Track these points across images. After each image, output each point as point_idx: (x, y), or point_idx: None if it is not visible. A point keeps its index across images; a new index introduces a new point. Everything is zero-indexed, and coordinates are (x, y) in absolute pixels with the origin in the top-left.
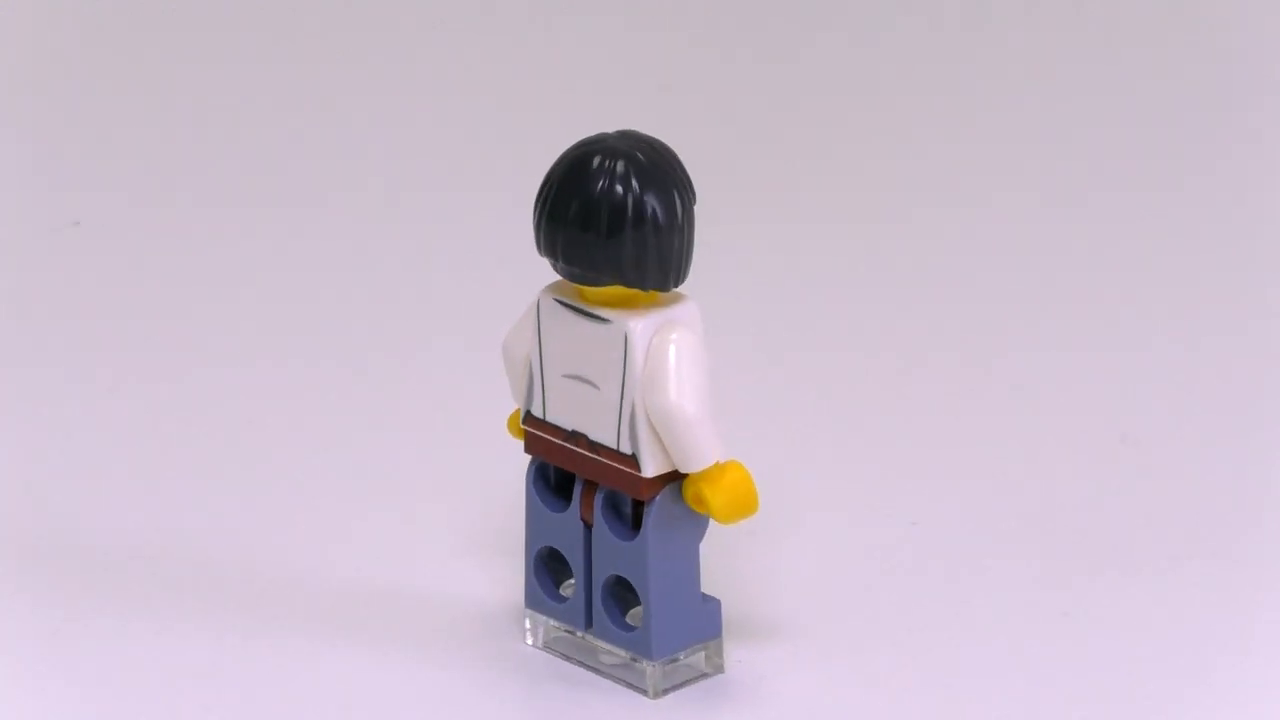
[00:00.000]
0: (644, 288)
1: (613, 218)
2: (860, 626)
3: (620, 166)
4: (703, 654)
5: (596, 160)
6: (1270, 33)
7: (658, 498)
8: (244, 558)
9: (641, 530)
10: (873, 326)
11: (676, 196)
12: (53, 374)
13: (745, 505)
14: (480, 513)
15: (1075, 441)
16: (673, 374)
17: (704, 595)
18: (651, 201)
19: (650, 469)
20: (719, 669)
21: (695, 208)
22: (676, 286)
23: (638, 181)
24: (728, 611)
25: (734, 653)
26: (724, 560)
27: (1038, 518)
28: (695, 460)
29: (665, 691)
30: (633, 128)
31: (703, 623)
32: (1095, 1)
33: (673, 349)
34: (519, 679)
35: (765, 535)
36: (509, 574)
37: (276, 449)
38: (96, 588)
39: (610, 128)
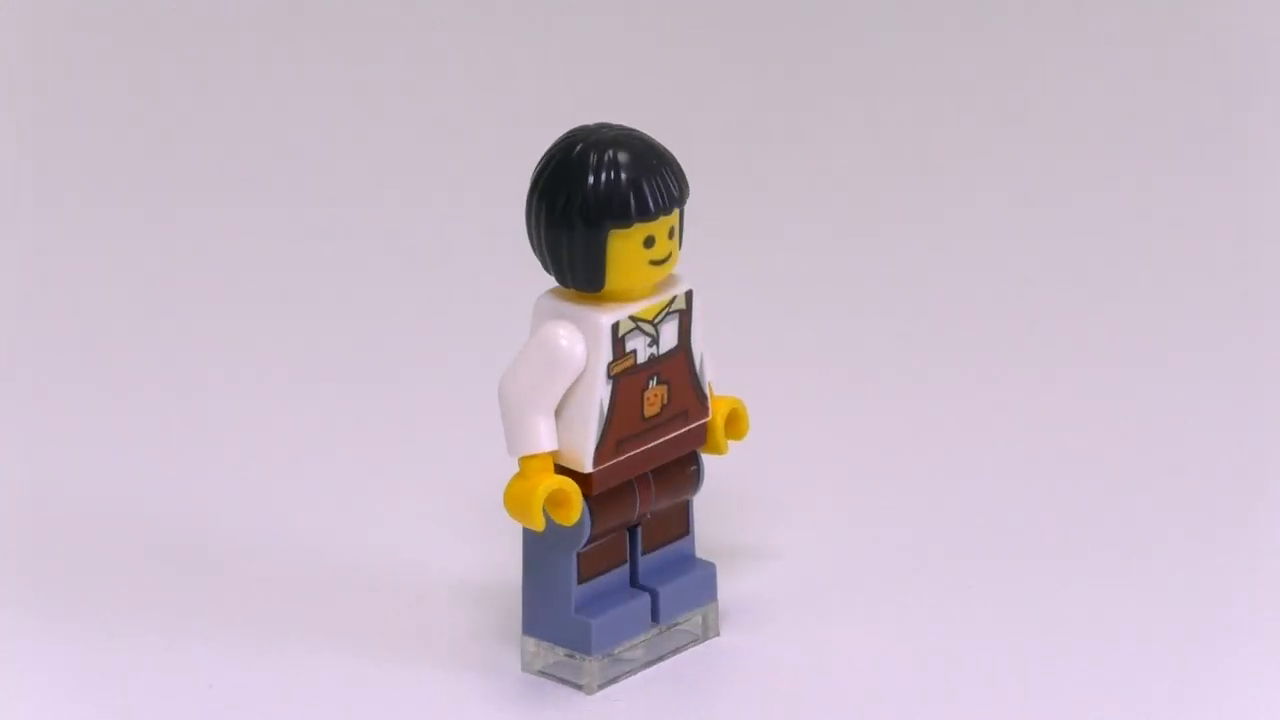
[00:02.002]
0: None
1: (531, 189)
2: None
3: (576, 152)
4: (583, 664)
5: (569, 141)
6: (1270, 32)
7: None
8: (244, 557)
9: None
10: (871, 328)
11: (597, 202)
12: (54, 375)
13: (522, 513)
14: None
15: (1072, 444)
16: (518, 356)
17: (579, 611)
18: (559, 189)
19: None
20: (591, 689)
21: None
22: (568, 286)
23: (565, 168)
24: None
25: (640, 676)
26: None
27: (1036, 520)
28: (508, 444)
29: (539, 673)
30: (637, 125)
31: (570, 633)
32: (1095, 1)
33: (534, 336)
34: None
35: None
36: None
37: (277, 449)
38: (96, 588)
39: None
